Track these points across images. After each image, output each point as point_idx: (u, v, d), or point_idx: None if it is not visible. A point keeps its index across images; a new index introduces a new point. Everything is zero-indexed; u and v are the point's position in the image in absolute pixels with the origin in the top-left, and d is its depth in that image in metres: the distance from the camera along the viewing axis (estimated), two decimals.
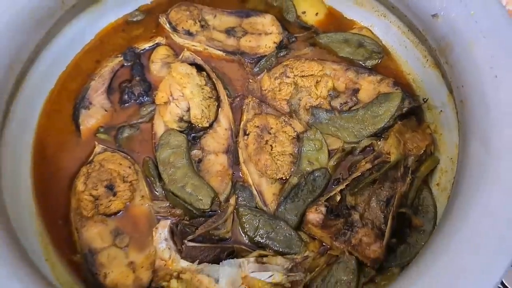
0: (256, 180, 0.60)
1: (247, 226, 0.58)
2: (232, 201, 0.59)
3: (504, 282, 0.65)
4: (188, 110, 0.61)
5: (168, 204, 0.59)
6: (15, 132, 0.60)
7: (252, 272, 0.52)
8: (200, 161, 0.62)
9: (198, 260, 0.54)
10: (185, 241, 0.54)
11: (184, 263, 0.53)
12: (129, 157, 0.62)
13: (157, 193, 0.60)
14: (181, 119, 0.62)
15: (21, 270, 0.44)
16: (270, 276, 0.52)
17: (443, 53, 0.56)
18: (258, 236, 0.57)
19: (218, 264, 0.53)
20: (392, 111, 0.61)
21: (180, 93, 0.61)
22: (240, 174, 0.61)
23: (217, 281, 0.52)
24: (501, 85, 0.48)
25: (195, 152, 0.62)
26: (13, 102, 0.60)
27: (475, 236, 0.42)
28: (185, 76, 0.62)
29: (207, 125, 0.62)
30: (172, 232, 0.55)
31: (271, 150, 0.61)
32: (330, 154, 0.61)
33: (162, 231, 0.54)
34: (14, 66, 0.57)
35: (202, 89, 0.62)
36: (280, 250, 0.56)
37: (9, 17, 0.54)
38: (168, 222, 0.55)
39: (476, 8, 0.52)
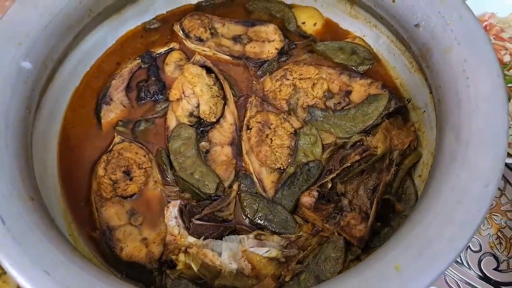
0: (257, 169, 0.67)
1: (248, 209, 0.65)
2: (235, 187, 0.66)
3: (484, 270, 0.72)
4: (198, 106, 0.69)
5: (178, 189, 0.66)
6: (44, 124, 0.68)
7: (251, 247, 0.59)
8: (207, 151, 0.69)
9: (203, 237, 0.60)
10: (193, 219, 0.61)
11: (191, 239, 0.60)
12: (144, 147, 0.69)
13: (168, 179, 0.67)
14: (191, 114, 0.70)
15: (55, 238, 0.51)
16: (267, 251, 0.59)
17: (424, 58, 0.63)
18: (257, 218, 0.64)
19: (222, 240, 0.60)
20: (380, 110, 0.68)
21: (191, 91, 0.69)
22: (243, 164, 0.68)
23: (220, 254, 0.59)
24: (471, 84, 0.55)
25: (203, 143, 0.69)
26: (43, 97, 0.67)
27: (444, 210, 0.49)
28: (196, 76, 0.70)
29: (215, 120, 0.70)
30: (181, 211, 0.62)
31: (271, 143, 0.68)
32: (324, 147, 0.68)
33: (173, 210, 0.61)
34: (47, 64, 0.65)
35: (211, 88, 0.70)
36: (277, 230, 0.63)
37: (46, 22, 0.62)
38: (178, 202, 0.62)
39: (452, 19, 0.59)
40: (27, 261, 0.47)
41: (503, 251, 0.73)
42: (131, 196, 0.66)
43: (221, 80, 0.72)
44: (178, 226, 0.60)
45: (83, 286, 0.46)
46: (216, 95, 0.70)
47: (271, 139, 0.68)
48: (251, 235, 0.60)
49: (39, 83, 0.64)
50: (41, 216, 0.52)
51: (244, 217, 0.64)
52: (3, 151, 0.54)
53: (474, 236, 0.74)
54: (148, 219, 0.65)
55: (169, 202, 0.65)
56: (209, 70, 0.72)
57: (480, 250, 0.73)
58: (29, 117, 0.62)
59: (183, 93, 0.69)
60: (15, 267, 0.46)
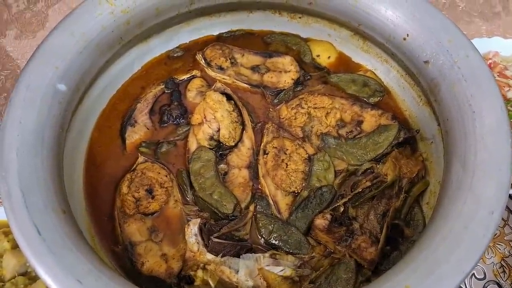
0: (273, 191, 0.70)
1: (263, 229, 0.68)
2: (251, 208, 0.69)
3: None
4: (218, 130, 0.73)
5: (197, 208, 0.70)
6: (73, 142, 0.72)
7: (267, 265, 0.62)
8: (225, 174, 0.73)
9: (221, 254, 0.63)
10: (212, 237, 0.64)
11: (209, 256, 0.63)
12: (166, 167, 0.73)
13: (188, 199, 0.71)
14: (211, 138, 0.74)
15: (84, 249, 0.54)
16: (282, 270, 0.62)
17: (433, 92, 0.67)
18: (272, 239, 0.67)
19: (238, 258, 0.63)
20: (390, 140, 0.72)
21: (213, 116, 0.74)
22: (259, 186, 0.72)
23: (237, 271, 0.62)
24: (477, 118, 0.59)
25: (222, 166, 0.73)
26: (73, 117, 0.72)
27: (452, 235, 0.52)
28: (217, 103, 0.74)
29: (233, 144, 0.74)
30: (200, 230, 0.65)
31: (286, 167, 0.72)
32: (336, 173, 0.72)
33: (193, 228, 0.64)
34: (79, 87, 0.69)
35: (230, 114, 0.75)
36: (291, 251, 0.66)
37: (81, 48, 0.67)
38: (198, 220, 0.65)
39: (459, 57, 0.64)
40: (61, 269, 0.50)
41: (506, 279, 0.75)
42: (153, 213, 0.69)
43: (240, 107, 0.77)
44: (198, 243, 0.64)
45: None
46: (235, 121, 0.75)
47: (286, 163, 0.72)
48: (267, 254, 0.63)
49: (71, 104, 0.69)
50: (72, 228, 0.56)
51: (260, 237, 0.67)
52: (40, 167, 0.58)
53: (479, 264, 0.77)
54: (168, 236, 0.68)
55: (188, 221, 0.68)
56: (228, 97, 0.77)
57: (484, 278, 0.76)
58: (61, 136, 0.66)
59: (205, 117, 0.73)
60: (50, 275, 0.50)
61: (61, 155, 0.65)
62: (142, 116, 0.77)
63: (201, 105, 0.75)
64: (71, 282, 0.50)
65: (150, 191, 0.70)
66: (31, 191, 0.56)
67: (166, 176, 0.72)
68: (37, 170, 0.58)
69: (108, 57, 0.75)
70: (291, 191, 0.70)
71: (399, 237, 0.66)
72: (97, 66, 0.73)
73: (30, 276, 0.63)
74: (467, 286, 0.75)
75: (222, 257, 0.63)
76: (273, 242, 0.67)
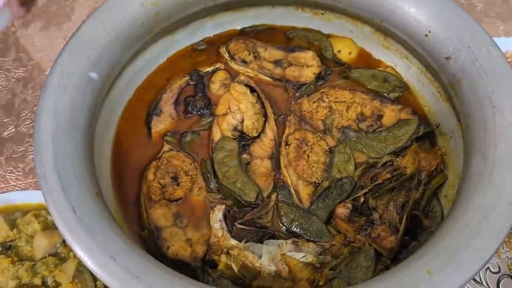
0: (294, 181, 0.72)
1: (285, 218, 0.70)
2: (273, 197, 0.71)
3: None
4: (242, 121, 0.75)
5: (220, 196, 0.72)
6: (100, 131, 0.74)
7: (289, 251, 0.64)
8: (248, 163, 0.75)
9: (245, 240, 0.66)
10: (235, 223, 0.67)
11: (233, 241, 0.66)
12: (190, 156, 0.75)
13: (212, 187, 0.73)
14: (235, 129, 0.76)
15: (117, 229, 0.56)
16: (304, 256, 0.64)
17: (453, 88, 0.69)
18: (293, 227, 0.69)
19: (261, 244, 0.65)
20: (409, 134, 0.74)
21: (237, 107, 0.76)
22: (281, 176, 0.74)
23: (260, 257, 0.64)
24: (497, 113, 0.60)
25: (244, 156, 0.75)
26: (102, 106, 0.74)
27: (471, 224, 0.54)
28: (241, 94, 0.76)
29: (256, 135, 0.76)
30: (225, 216, 0.67)
31: (308, 158, 0.74)
32: (356, 165, 0.74)
33: (218, 214, 0.66)
34: (109, 76, 0.72)
35: (254, 105, 0.77)
36: (312, 239, 0.68)
37: (112, 38, 0.70)
38: (223, 207, 0.67)
39: (480, 54, 0.65)
40: (96, 247, 0.52)
41: None
42: (177, 200, 0.71)
43: (263, 99, 0.79)
44: (222, 229, 0.66)
45: (144, 271, 0.52)
46: (258, 112, 0.77)
47: (308, 155, 0.74)
48: (289, 241, 0.65)
49: (101, 93, 0.71)
50: (104, 209, 0.58)
51: (281, 225, 0.69)
52: (74, 151, 0.61)
53: (494, 258, 0.78)
54: (192, 222, 0.70)
55: (212, 208, 0.70)
56: (252, 90, 0.79)
57: (499, 272, 0.77)
58: (93, 123, 0.68)
59: (229, 108, 0.76)
60: (86, 252, 0.52)
61: (92, 141, 0.68)
62: (167, 106, 0.80)
63: (225, 96, 0.77)
64: (105, 259, 0.52)
65: (175, 178, 0.72)
66: (66, 173, 0.58)
67: (191, 164, 0.74)
68: (71, 153, 0.60)
69: (136, 48, 0.77)
70: (312, 181, 0.72)
71: (418, 228, 0.68)
72: (126, 56, 0.76)
73: (59, 257, 0.65)
74: (482, 279, 0.76)
75: (245, 242, 0.65)
76: (294, 230, 0.69)
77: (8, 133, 0.92)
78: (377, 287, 0.53)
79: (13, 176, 0.86)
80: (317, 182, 0.72)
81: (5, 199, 0.72)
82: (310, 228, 0.68)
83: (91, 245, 0.53)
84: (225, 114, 0.76)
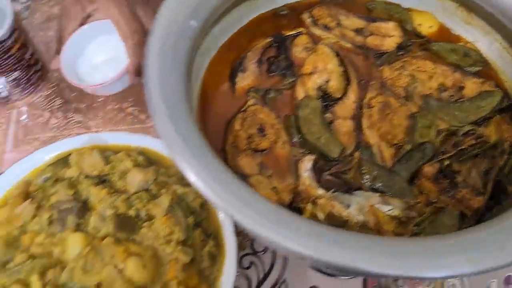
0: (377, 142, 0.74)
1: (368, 176, 0.71)
2: (356, 155, 0.73)
3: None
4: (327, 81, 0.77)
5: (304, 150, 0.74)
6: (192, 80, 0.77)
7: (377, 203, 0.66)
8: (330, 122, 0.76)
9: (332, 190, 0.67)
10: (324, 173, 0.69)
11: (321, 191, 0.67)
12: (274, 112, 0.77)
13: (295, 141, 0.75)
14: (319, 88, 0.78)
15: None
16: (391, 209, 0.65)
17: None
18: (377, 184, 0.70)
19: (349, 194, 0.67)
20: (493, 105, 0.75)
21: (323, 67, 0.78)
22: (363, 137, 0.75)
23: (347, 206, 0.66)
24: None
25: (327, 115, 0.77)
26: (192, 62, 0.76)
27: None
28: (327, 56, 0.78)
29: (339, 96, 0.78)
30: (313, 167, 0.69)
31: (390, 121, 0.75)
32: (438, 132, 0.75)
33: (307, 163, 0.68)
34: (204, 28, 0.74)
35: (338, 67, 0.78)
36: (395, 197, 0.69)
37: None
38: (313, 157, 0.69)
39: None
40: (203, 170, 0.55)
41: None
42: (262, 151, 0.73)
43: (346, 63, 0.80)
44: (310, 178, 0.68)
45: (252, 200, 0.54)
46: (341, 75, 0.78)
47: (390, 118, 0.75)
48: (376, 194, 0.66)
49: (197, 42, 0.74)
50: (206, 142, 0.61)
51: (364, 182, 0.71)
52: (177, 91, 0.63)
53: None
54: (276, 173, 0.72)
55: (296, 161, 0.72)
56: (335, 54, 0.80)
57: None
58: (189, 71, 0.71)
59: (316, 68, 0.78)
60: (195, 174, 0.54)
61: (190, 89, 0.70)
62: (251, 64, 0.82)
63: (311, 57, 0.79)
64: (212, 182, 0.54)
65: (261, 130, 0.74)
66: (173, 108, 0.61)
67: (275, 119, 0.76)
68: (177, 92, 0.63)
69: (225, 8, 0.80)
70: (394, 143, 0.74)
71: (501, 194, 0.69)
72: (216, 14, 0.78)
73: (151, 194, 0.68)
74: None
75: (333, 192, 0.67)
76: (377, 187, 0.70)
77: None
78: (462, 239, 0.54)
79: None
80: (399, 145, 0.74)
81: (97, 138, 0.75)
82: (393, 186, 0.70)
83: (200, 171, 0.55)
84: (310, 74, 0.78)
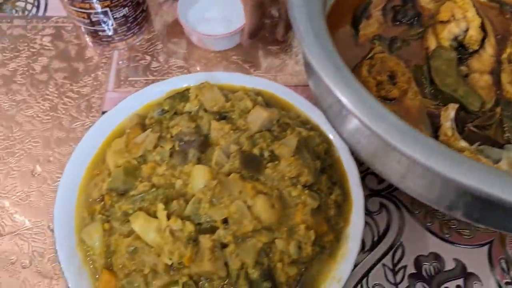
0: None
1: (509, 134, 0.65)
2: (497, 110, 0.66)
3: None
4: (466, 31, 0.71)
5: (437, 102, 0.67)
6: None
7: None
8: (465, 76, 0.70)
9: (478, 143, 0.61)
10: (468, 125, 0.62)
11: (463, 143, 0.61)
12: (402, 61, 0.71)
13: (426, 93, 0.69)
14: (455, 39, 0.71)
15: None
16: None
17: None
18: None
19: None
20: None
21: (462, 16, 0.71)
22: (503, 93, 0.68)
23: (496, 161, 0.59)
24: None
25: (462, 68, 0.70)
26: None
27: None
28: (467, 3, 0.71)
29: (477, 48, 0.71)
30: (455, 116, 0.63)
31: None
32: None
33: (451, 111, 0.62)
34: None
35: (477, 18, 0.72)
36: None
37: None
38: (456, 106, 0.63)
39: None
40: (355, 95, 0.49)
41: None
42: (391, 100, 0.68)
43: (482, 15, 0.73)
44: (453, 128, 0.61)
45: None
46: (479, 26, 0.71)
47: None
48: None
49: None
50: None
51: (505, 140, 0.64)
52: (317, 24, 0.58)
53: None
54: (409, 123, 0.66)
55: (429, 113, 0.66)
56: None
57: None
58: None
59: (453, 16, 0.71)
60: (348, 97, 0.49)
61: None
62: (376, 11, 0.76)
63: (448, 4, 0.72)
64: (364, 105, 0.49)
65: (392, 77, 0.68)
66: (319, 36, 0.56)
67: (406, 67, 0.70)
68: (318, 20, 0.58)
69: None
70: None
71: None
72: None
73: (273, 134, 0.63)
74: None
75: (479, 145, 0.60)
76: None
77: None
78: None
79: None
80: None
81: (212, 77, 0.71)
82: None
83: (352, 96, 0.50)
84: (446, 22, 0.72)
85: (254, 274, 0.56)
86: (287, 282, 0.57)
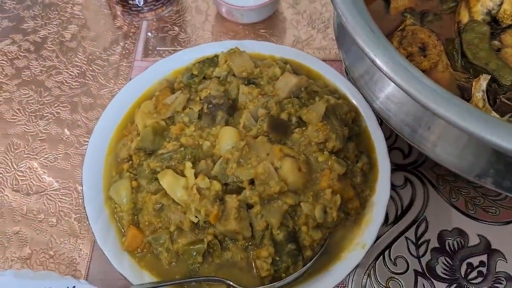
0: None
1: None
2: None
3: None
4: (500, 5, 0.69)
5: (468, 76, 0.67)
6: None
7: None
8: (498, 50, 0.69)
9: (510, 115, 0.60)
10: (500, 96, 0.61)
11: (495, 114, 0.60)
12: (434, 33, 0.71)
13: (457, 66, 0.68)
14: (488, 13, 0.70)
15: None
16: None
17: None
18: None
19: None
20: None
21: None
22: None
23: None
24: None
25: (495, 42, 0.69)
26: None
27: None
28: None
29: (510, 23, 0.70)
30: (487, 88, 0.62)
31: None
32: None
33: (483, 82, 0.61)
34: None
35: None
36: None
37: None
38: (489, 77, 0.62)
39: None
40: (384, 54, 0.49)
41: None
42: (422, 71, 0.67)
43: None
44: (484, 100, 0.61)
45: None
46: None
47: None
48: None
49: None
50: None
51: None
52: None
53: None
54: None
55: (459, 86, 0.65)
56: None
57: None
58: None
59: None
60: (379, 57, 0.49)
61: None
62: None
63: None
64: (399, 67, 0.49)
65: (423, 49, 0.68)
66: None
67: (437, 40, 0.69)
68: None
69: None
70: None
71: None
72: None
73: (301, 101, 0.63)
74: None
75: (510, 117, 0.59)
76: None
77: None
78: None
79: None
80: None
81: (241, 45, 0.72)
82: None
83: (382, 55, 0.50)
84: None
85: (279, 235, 0.56)
86: (311, 246, 0.57)
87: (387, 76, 0.50)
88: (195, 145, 0.61)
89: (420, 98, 0.48)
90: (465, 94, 0.65)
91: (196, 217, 0.56)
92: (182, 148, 0.60)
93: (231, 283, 0.55)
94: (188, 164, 0.58)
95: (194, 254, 0.56)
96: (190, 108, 0.63)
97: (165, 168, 0.59)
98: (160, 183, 0.58)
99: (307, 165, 0.59)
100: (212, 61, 0.70)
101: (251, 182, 0.57)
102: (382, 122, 0.67)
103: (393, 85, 0.58)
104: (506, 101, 0.61)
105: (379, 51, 0.52)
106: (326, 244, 0.58)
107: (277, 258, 0.55)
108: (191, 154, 0.60)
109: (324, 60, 0.79)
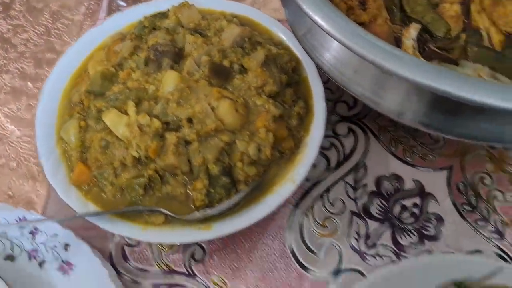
0: (487, 26, 0.69)
1: (474, 59, 0.67)
2: (463, 36, 0.69)
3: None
4: None
5: (405, 29, 0.70)
6: None
7: (486, 76, 0.62)
8: (436, 5, 0.72)
9: (436, 60, 0.64)
10: (429, 44, 0.65)
11: (422, 59, 0.64)
12: None
13: (395, 20, 0.72)
14: None
15: None
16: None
17: None
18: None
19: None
20: None
21: None
22: (472, 22, 0.71)
23: None
24: None
25: None
26: None
27: None
28: None
29: None
30: (417, 37, 0.66)
31: (504, 7, 0.70)
32: None
33: (413, 31, 0.65)
34: None
35: None
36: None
37: None
38: (420, 26, 0.66)
39: None
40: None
41: None
42: (361, 24, 0.70)
43: None
44: (414, 48, 0.64)
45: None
46: None
47: (504, 3, 0.70)
48: (486, 67, 0.62)
49: None
50: None
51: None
52: None
53: None
54: None
55: (396, 39, 0.69)
56: None
57: None
58: None
59: None
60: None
61: None
62: None
63: None
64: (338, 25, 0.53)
65: (362, 3, 0.71)
66: None
67: None
68: None
69: None
70: (506, 30, 0.69)
71: None
72: None
73: (244, 51, 0.67)
74: None
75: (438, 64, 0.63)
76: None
77: None
78: None
79: None
80: (510, 34, 0.69)
81: (193, 1, 0.75)
82: (502, 70, 0.65)
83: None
84: None
85: (214, 169, 0.60)
86: (245, 181, 0.61)
87: (328, 34, 0.53)
88: (141, 88, 0.65)
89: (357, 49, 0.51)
90: (399, 44, 0.68)
91: (138, 152, 0.60)
92: (127, 90, 0.63)
93: (168, 212, 0.59)
94: (131, 103, 0.61)
95: (136, 187, 0.60)
96: (137, 55, 0.67)
97: (110, 108, 0.63)
98: (104, 121, 0.61)
99: (246, 107, 0.63)
100: (163, 14, 0.73)
101: (190, 121, 0.61)
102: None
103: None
104: (435, 49, 0.65)
105: (318, 10, 0.54)
106: (260, 181, 0.62)
107: (212, 190, 0.60)
108: (136, 96, 0.63)
109: (280, 21, 0.82)
